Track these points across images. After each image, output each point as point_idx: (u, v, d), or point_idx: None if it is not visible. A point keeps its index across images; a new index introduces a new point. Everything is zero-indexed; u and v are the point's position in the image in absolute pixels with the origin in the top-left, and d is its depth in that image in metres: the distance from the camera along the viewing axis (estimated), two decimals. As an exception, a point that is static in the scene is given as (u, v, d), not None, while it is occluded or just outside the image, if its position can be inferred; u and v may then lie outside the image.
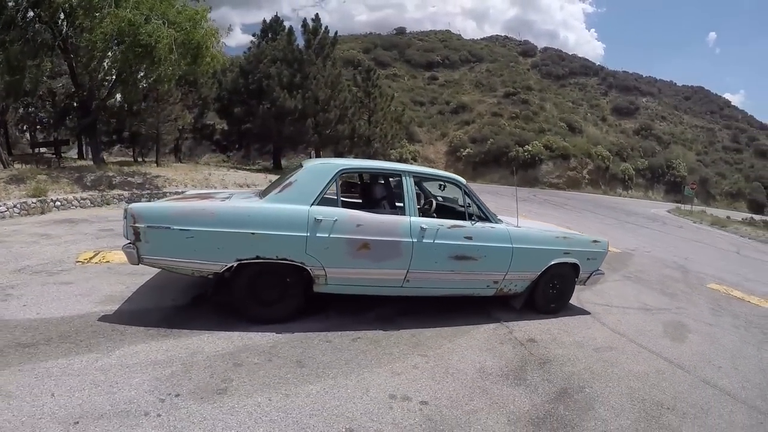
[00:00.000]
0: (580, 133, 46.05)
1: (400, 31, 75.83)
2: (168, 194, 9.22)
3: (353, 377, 2.67)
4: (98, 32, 8.13)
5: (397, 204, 3.84)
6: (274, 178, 14.23)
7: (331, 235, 3.22)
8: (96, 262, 4.45)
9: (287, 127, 16.74)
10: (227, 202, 3.47)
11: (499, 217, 4.15)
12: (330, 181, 3.40)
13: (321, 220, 3.20)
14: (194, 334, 3.06)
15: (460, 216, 4.00)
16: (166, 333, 3.03)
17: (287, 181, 3.44)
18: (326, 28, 18.70)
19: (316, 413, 2.28)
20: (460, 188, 4.00)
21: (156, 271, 4.07)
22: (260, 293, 3.35)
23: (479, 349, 3.33)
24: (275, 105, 16.36)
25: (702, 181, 43.23)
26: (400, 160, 26.85)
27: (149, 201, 6.31)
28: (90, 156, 12.62)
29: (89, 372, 2.46)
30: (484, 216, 3.96)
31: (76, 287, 3.70)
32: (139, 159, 15.40)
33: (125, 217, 3.11)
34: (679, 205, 31.06)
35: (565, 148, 39.75)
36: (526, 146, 38.49)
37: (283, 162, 20.32)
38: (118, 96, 11.56)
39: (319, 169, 3.53)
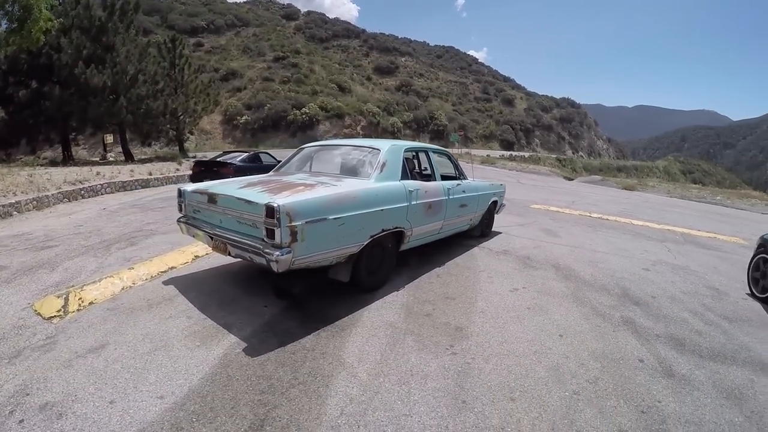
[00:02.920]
0: (350, 93, 53.13)
1: (161, -6, 69.51)
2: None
3: (482, 291, 4.26)
4: None
5: (425, 173, 5.38)
6: (102, 169, 12.38)
7: (417, 202, 4.45)
8: (79, 309, 3.59)
9: (94, 108, 14.15)
10: (349, 183, 3.95)
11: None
12: (402, 159, 4.54)
13: (412, 191, 4.38)
14: (358, 317, 3.50)
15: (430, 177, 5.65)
16: (340, 326, 3.34)
17: (380, 162, 4.25)
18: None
19: (506, 308, 3.82)
20: (449, 157, 5.84)
21: (172, 289, 4.03)
22: (369, 265, 3.98)
23: (494, 261, 5.39)
24: (77, 83, 13.61)
25: (461, 127, 55.75)
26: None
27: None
28: None
29: (390, 399, 2.45)
30: (464, 176, 5.96)
31: (124, 349, 2.91)
32: None
33: (277, 218, 3.03)
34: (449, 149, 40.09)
35: (339, 108, 45.89)
36: (303, 109, 42.93)
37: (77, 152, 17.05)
38: None
39: (395, 150, 4.52)
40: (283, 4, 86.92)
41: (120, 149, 17.89)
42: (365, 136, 47.13)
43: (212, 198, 3.84)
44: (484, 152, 41.26)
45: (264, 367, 2.74)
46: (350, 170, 4.43)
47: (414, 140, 56.38)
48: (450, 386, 2.56)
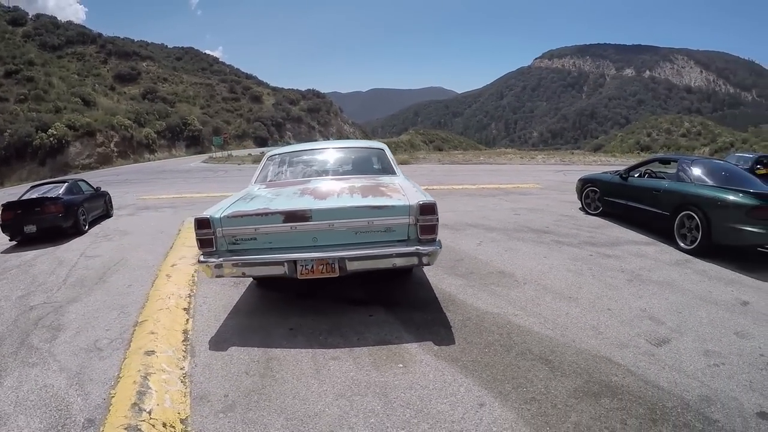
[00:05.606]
0: (95, 107, 48.14)
1: None
2: None
3: (468, 249, 5.73)
4: None
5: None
6: None
7: None
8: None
9: None
10: (392, 179, 4.48)
11: None
12: None
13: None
14: (444, 292, 4.26)
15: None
16: (449, 302, 4.01)
17: (391, 159, 4.96)
18: None
19: (496, 254, 5.41)
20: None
21: (242, 351, 3.34)
22: None
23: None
24: None
25: (215, 131, 54.12)
26: None
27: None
28: None
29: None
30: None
31: (354, 420, 2.48)
32: None
33: (437, 213, 3.38)
34: (212, 154, 40.37)
35: (89, 125, 41.27)
36: (50, 130, 37.29)
37: None
38: None
39: (388, 148, 5.33)
40: (9, 8, 72.10)
41: None
42: (120, 152, 42.52)
43: (297, 216, 3.46)
44: (244, 151, 43.03)
45: (474, 340, 3.27)
46: (379, 169, 4.94)
47: (171, 150, 52.26)
48: (559, 297, 4.08)
